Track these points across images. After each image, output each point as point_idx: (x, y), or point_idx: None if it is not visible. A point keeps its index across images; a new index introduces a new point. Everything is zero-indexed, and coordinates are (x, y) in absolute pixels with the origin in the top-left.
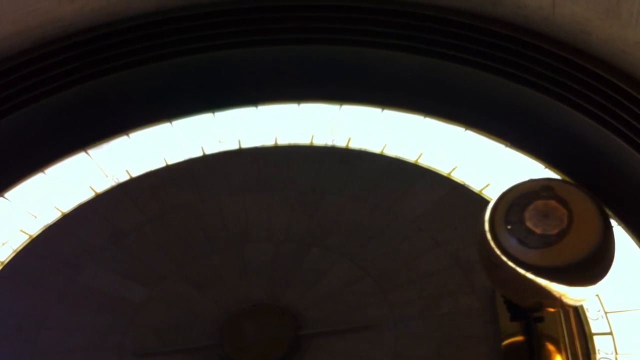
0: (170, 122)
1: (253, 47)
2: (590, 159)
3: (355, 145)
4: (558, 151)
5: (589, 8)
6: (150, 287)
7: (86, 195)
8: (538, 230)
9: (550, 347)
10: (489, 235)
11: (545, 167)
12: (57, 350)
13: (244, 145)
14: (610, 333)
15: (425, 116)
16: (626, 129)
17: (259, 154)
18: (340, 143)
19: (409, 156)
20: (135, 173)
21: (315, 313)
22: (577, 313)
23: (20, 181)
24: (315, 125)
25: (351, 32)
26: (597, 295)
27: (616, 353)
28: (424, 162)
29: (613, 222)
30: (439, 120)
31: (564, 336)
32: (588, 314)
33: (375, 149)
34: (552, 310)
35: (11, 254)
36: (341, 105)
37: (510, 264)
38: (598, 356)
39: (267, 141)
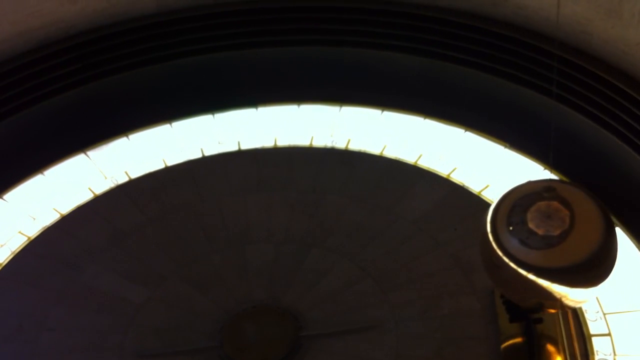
0: (170, 123)
1: (253, 48)
2: (590, 159)
3: (355, 146)
4: (558, 152)
5: (590, 8)
6: (151, 287)
7: (85, 197)
8: (540, 231)
9: (550, 348)
10: (491, 236)
11: (545, 168)
12: (57, 350)
13: (244, 147)
14: (609, 334)
15: (424, 117)
16: (626, 130)
17: (259, 155)
18: (340, 144)
19: (409, 157)
20: (135, 174)
21: (315, 313)
22: (576, 314)
23: (20, 183)
24: (315, 127)
25: (351, 33)
26: (596, 296)
27: (615, 354)
28: (424, 163)
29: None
30: (439, 121)
31: (562, 337)
32: (587, 315)
33: (375, 150)
34: (552, 311)
35: (9, 255)
36: (341, 106)
37: (512, 264)
38: (597, 357)
39: (267, 142)
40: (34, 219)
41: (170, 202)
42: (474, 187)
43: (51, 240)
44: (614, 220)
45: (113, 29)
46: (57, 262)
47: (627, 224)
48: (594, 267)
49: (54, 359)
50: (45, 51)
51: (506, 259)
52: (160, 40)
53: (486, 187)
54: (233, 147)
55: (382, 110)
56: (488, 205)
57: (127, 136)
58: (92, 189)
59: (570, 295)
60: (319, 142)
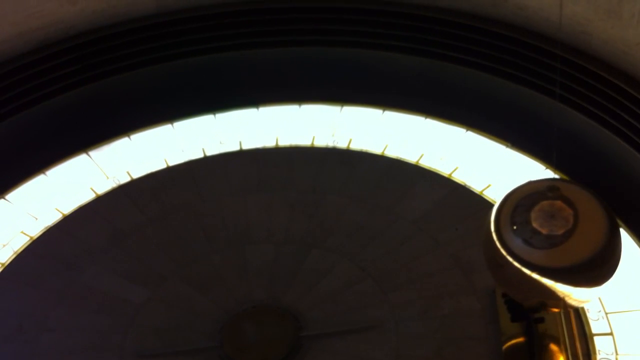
0: (171, 123)
1: (254, 48)
2: (591, 159)
3: (356, 146)
4: (559, 151)
5: (589, 9)
6: (151, 287)
7: (87, 197)
8: (544, 231)
9: (552, 348)
10: (494, 236)
11: (546, 168)
12: (57, 350)
13: (245, 147)
14: (611, 333)
15: (426, 117)
16: (627, 129)
17: (260, 155)
18: (341, 144)
19: (410, 157)
20: (136, 174)
21: (315, 314)
22: (578, 314)
23: (21, 183)
24: (316, 127)
25: (352, 33)
26: (598, 296)
27: (616, 353)
28: (425, 163)
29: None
30: (440, 121)
31: (564, 337)
32: (588, 315)
33: (376, 150)
34: (555, 310)
35: (12, 255)
36: (342, 106)
37: (516, 264)
38: (598, 356)
39: (268, 142)
40: (36, 219)
41: (170, 202)
42: (476, 186)
43: (51, 241)
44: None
45: (113, 30)
46: (57, 263)
47: (629, 224)
48: (598, 267)
49: (54, 359)
50: (45, 52)
51: (510, 259)
52: (160, 40)
53: (488, 186)
54: (234, 147)
55: (384, 110)
56: (490, 205)
57: (128, 136)
58: (93, 189)
59: (573, 294)
60: (321, 142)
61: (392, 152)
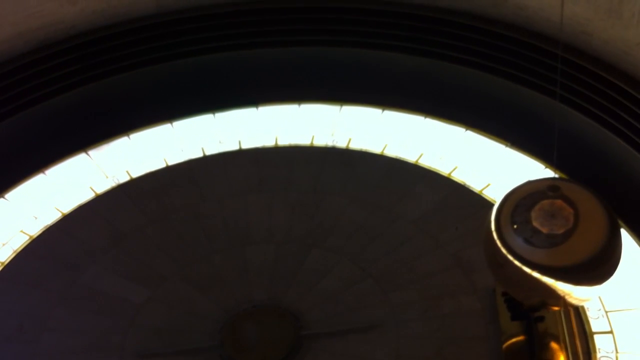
0: (171, 123)
1: (253, 48)
2: (590, 159)
3: (355, 145)
4: (558, 151)
5: (590, 9)
6: (151, 287)
7: (86, 196)
8: (544, 230)
9: (552, 346)
10: (495, 235)
11: (546, 167)
12: (58, 351)
13: (245, 146)
14: (611, 332)
15: (425, 117)
16: (627, 129)
17: (260, 155)
18: (341, 144)
19: (410, 157)
20: (136, 174)
21: (316, 314)
22: (578, 312)
23: (21, 182)
24: (315, 126)
25: (352, 33)
26: (598, 294)
27: (617, 352)
28: (425, 162)
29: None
30: (440, 120)
31: (564, 335)
32: (588, 313)
33: (375, 149)
34: (555, 309)
35: (11, 254)
36: (341, 106)
37: (516, 263)
38: (599, 355)
39: (268, 142)
40: (36, 218)
41: (170, 202)
42: (475, 186)
43: (52, 241)
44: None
45: (113, 30)
46: (57, 263)
47: (629, 223)
48: (598, 266)
49: (54, 359)
50: (45, 52)
51: (510, 258)
52: (160, 40)
53: (487, 186)
54: (234, 147)
55: (383, 110)
56: (489, 204)
57: (128, 135)
58: (93, 188)
59: (573, 293)
60: (320, 141)
61: (391, 152)
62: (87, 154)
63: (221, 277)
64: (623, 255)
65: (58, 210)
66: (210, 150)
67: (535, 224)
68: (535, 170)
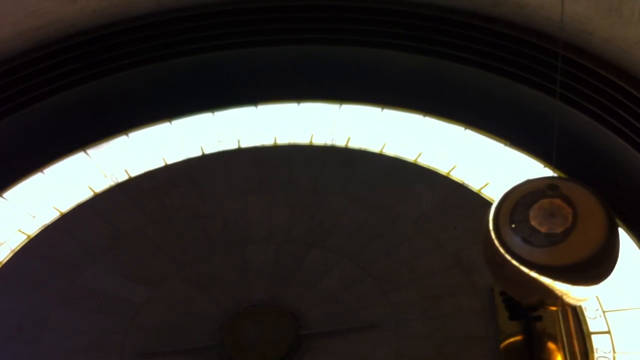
0: (170, 121)
1: (253, 47)
2: (590, 158)
3: (354, 144)
4: (558, 150)
5: (590, 7)
6: (151, 287)
7: (85, 195)
8: (543, 229)
9: (550, 346)
10: (493, 234)
11: (545, 166)
12: (58, 350)
13: (244, 145)
14: (608, 332)
15: (424, 115)
16: (627, 128)
17: (259, 154)
18: (340, 142)
19: (409, 155)
20: (135, 173)
21: (316, 313)
22: (576, 312)
23: (20, 181)
24: (314, 125)
25: (351, 31)
26: (596, 294)
27: (614, 352)
28: (424, 161)
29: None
30: (439, 119)
31: (562, 335)
32: (586, 313)
33: (374, 148)
34: (553, 309)
35: (9, 253)
36: (341, 104)
37: (515, 262)
38: (596, 355)
39: (267, 141)
40: (34, 217)
41: (170, 201)
42: (474, 185)
43: (51, 241)
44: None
45: (113, 28)
46: (57, 263)
47: (629, 223)
48: (597, 265)
49: (54, 359)
50: (45, 50)
51: (509, 257)
52: (160, 39)
53: (486, 185)
54: (233, 146)
55: (382, 109)
56: (488, 203)
57: (127, 134)
58: (92, 187)
59: (571, 293)
60: (319, 140)
61: (390, 151)
62: (86, 153)
63: (221, 277)
64: (621, 255)
65: (57, 209)
66: (210, 149)
67: (534, 223)
68: (535, 169)
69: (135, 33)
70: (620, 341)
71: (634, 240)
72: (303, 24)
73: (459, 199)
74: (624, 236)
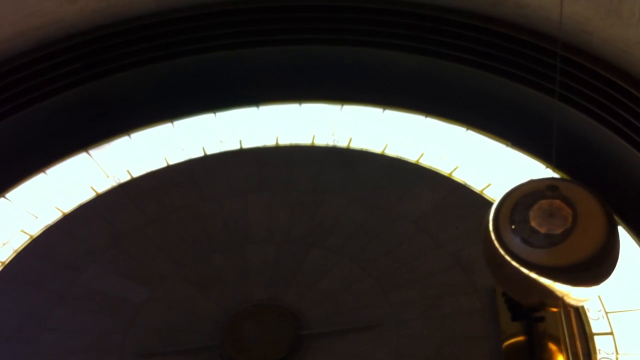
0: (172, 122)
1: (254, 47)
2: (591, 158)
3: (356, 145)
4: (558, 150)
5: (590, 7)
6: (151, 287)
7: (87, 196)
8: (542, 230)
9: (552, 347)
10: (492, 235)
11: (547, 167)
12: (58, 350)
13: (245, 146)
14: (611, 333)
15: (426, 116)
16: (627, 128)
17: (260, 154)
18: (342, 143)
19: (410, 156)
20: (137, 173)
21: (316, 313)
22: (578, 313)
23: (22, 181)
24: (316, 126)
25: (353, 32)
26: (598, 295)
27: (617, 353)
28: (425, 162)
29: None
30: (440, 120)
31: (564, 336)
32: (589, 314)
33: (376, 149)
34: (554, 310)
35: (12, 254)
36: (342, 105)
37: (514, 263)
38: (599, 356)
39: (269, 141)
40: (36, 217)
41: (170, 201)
42: (476, 185)
43: (52, 241)
44: (617, 219)
45: (113, 29)
46: (57, 263)
47: (630, 223)
48: (596, 266)
49: (54, 359)
50: (45, 51)
51: (508, 258)
52: (160, 39)
53: (488, 185)
54: (235, 146)
55: (384, 109)
56: (490, 204)
57: (128, 135)
58: (94, 188)
59: (572, 294)
60: (321, 141)
61: (392, 151)
62: (88, 154)
63: (221, 277)
64: (623, 256)
65: (59, 209)
66: (211, 150)
67: (534, 223)
68: (536, 170)
69: (135, 33)
70: (623, 342)
71: (635, 241)
72: (304, 24)
73: (461, 199)
74: (626, 237)
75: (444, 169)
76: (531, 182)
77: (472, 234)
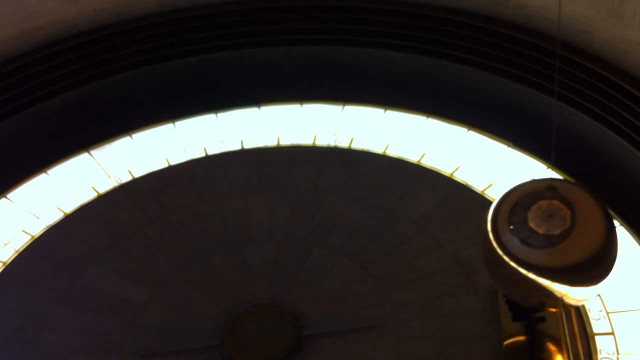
0: (173, 122)
1: (255, 47)
2: (592, 158)
3: (357, 145)
4: (558, 150)
5: (590, 8)
6: (152, 287)
7: (88, 196)
8: (541, 231)
9: (552, 347)
10: (491, 235)
11: (548, 167)
12: (58, 350)
13: (247, 146)
14: (612, 333)
15: (427, 116)
16: (628, 128)
17: (261, 155)
18: (343, 143)
19: (412, 156)
20: (138, 174)
21: (316, 313)
22: (579, 313)
23: (23, 182)
24: (317, 126)
25: (354, 32)
26: (599, 295)
27: (618, 353)
28: (427, 162)
29: (615, 222)
30: (442, 120)
31: (565, 336)
32: (590, 314)
33: (377, 149)
34: (554, 310)
35: (13, 254)
36: (344, 105)
37: (513, 264)
38: (600, 356)
39: (270, 142)
40: (38, 217)
41: (171, 202)
42: (477, 186)
43: (52, 241)
44: (617, 219)
45: (114, 29)
46: (58, 263)
47: (630, 223)
48: (595, 266)
49: (54, 359)
50: (46, 51)
51: (507, 258)
52: (162, 39)
53: (489, 186)
54: (236, 147)
55: (385, 110)
56: (491, 204)
57: (130, 135)
58: (95, 188)
59: (570, 294)
60: (322, 141)
61: (393, 152)
62: (90, 154)
63: (221, 277)
64: (624, 256)
65: (60, 210)
66: (212, 150)
67: (532, 224)
68: (538, 170)
69: (137, 33)
70: (624, 342)
71: (636, 240)
72: (305, 24)
73: (462, 199)
74: (626, 237)
75: (445, 169)
76: (530, 182)
77: (473, 234)
